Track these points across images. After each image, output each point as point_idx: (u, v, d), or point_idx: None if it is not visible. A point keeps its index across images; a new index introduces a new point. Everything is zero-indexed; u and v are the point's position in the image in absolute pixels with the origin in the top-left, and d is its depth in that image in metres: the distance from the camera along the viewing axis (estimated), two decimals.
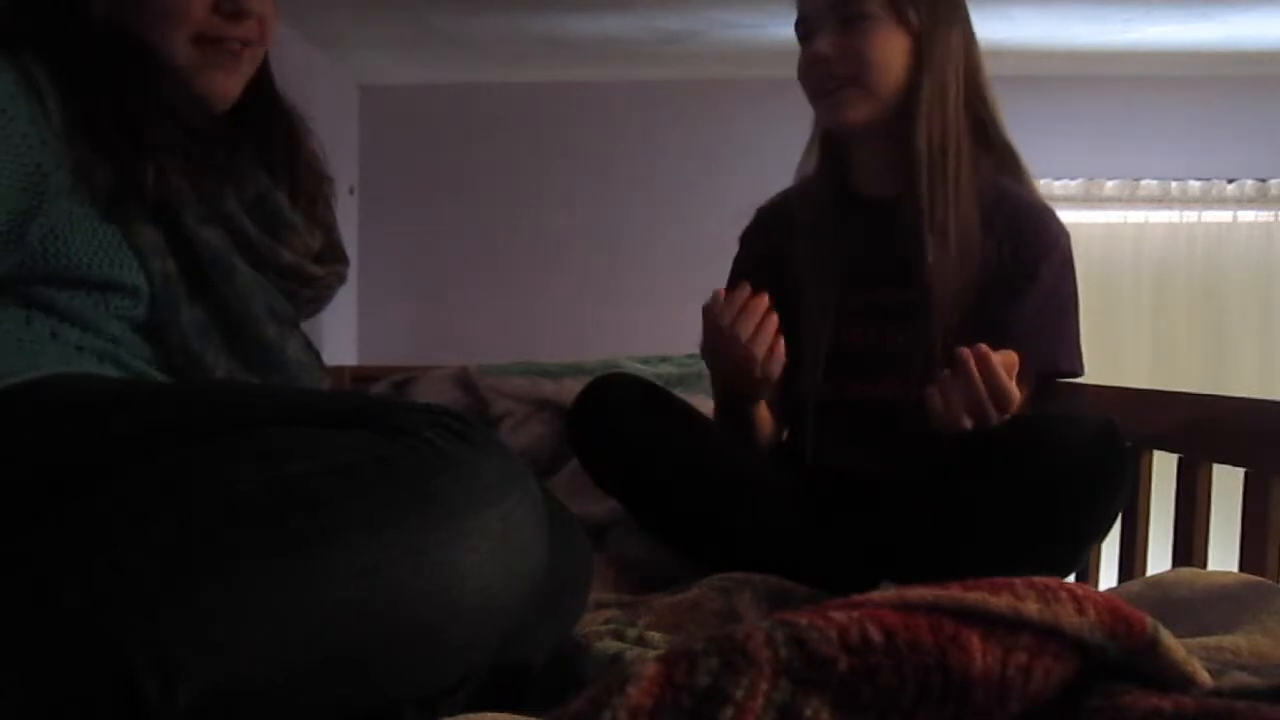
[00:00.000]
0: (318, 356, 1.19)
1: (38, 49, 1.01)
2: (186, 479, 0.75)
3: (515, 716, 0.76)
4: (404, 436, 0.79)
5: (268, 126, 1.18)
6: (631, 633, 1.02)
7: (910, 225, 1.49)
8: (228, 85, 1.11)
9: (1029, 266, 1.49)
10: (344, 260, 1.24)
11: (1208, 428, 1.43)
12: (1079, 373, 1.54)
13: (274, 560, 0.71)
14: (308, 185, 1.19)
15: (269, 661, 0.70)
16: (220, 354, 1.07)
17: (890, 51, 1.47)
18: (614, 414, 1.46)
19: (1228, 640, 0.95)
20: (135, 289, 1.02)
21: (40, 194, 0.97)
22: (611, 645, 0.93)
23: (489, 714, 0.77)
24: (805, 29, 1.54)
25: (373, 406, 0.84)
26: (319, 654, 0.72)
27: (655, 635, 1.04)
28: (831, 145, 1.60)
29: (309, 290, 1.18)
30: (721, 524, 1.41)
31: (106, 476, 0.76)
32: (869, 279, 1.55)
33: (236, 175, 1.11)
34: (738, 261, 1.70)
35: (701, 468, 1.43)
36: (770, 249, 1.65)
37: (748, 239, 1.71)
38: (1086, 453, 1.27)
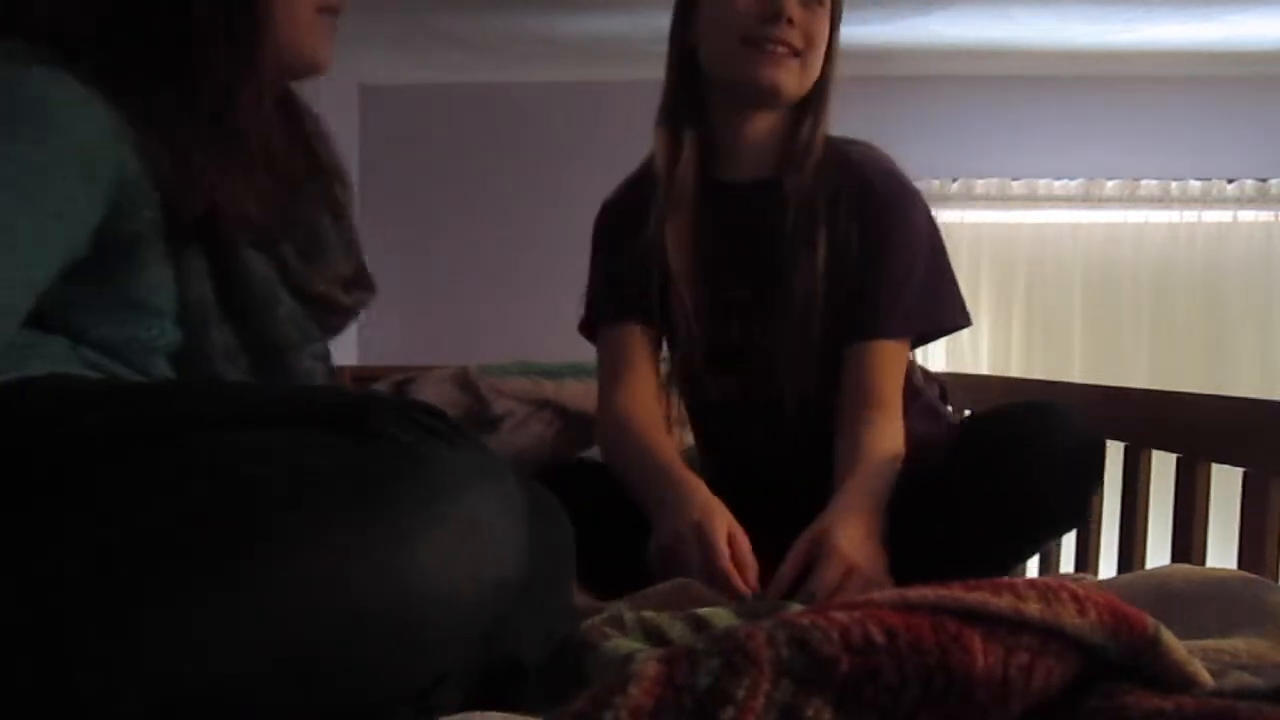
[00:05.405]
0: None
1: (112, 61, 0.92)
2: (139, 484, 0.74)
3: (515, 716, 0.76)
4: (371, 435, 0.77)
5: (299, 127, 1.09)
6: (630, 617, 1.02)
7: (776, 213, 1.46)
8: (331, 52, 1.04)
9: (887, 233, 1.45)
10: (371, 288, 1.16)
11: (1208, 428, 1.43)
12: (965, 324, 1.52)
13: (225, 566, 0.69)
14: (341, 198, 1.11)
15: (221, 666, 0.68)
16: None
17: (824, 38, 1.47)
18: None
19: (1225, 643, 0.95)
20: (163, 311, 0.96)
21: (117, 206, 0.90)
22: (623, 645, 0.93)
23: (489, 713, 0.77)
24: None
25: (345, 405, 0.82)
26: (275, 659, 0.70)
27: (651, 614, 1.03)
28: (700, 128, 1.53)
29: (334, 319, 1.11)
30: None
31: (73, 477, 0.75)
32: (740, 270, 1.52)
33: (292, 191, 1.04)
34: (601, 259, 1.62)
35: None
36: (631, 239, 1.55)
37: (607, 233, 1.63)
38: (1049, 444, 1.30)
